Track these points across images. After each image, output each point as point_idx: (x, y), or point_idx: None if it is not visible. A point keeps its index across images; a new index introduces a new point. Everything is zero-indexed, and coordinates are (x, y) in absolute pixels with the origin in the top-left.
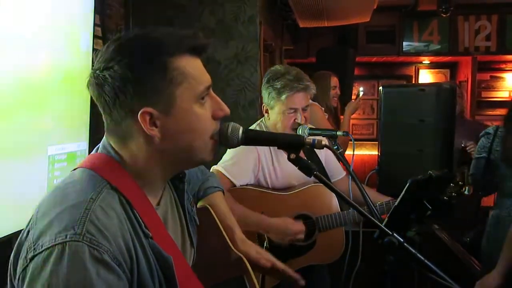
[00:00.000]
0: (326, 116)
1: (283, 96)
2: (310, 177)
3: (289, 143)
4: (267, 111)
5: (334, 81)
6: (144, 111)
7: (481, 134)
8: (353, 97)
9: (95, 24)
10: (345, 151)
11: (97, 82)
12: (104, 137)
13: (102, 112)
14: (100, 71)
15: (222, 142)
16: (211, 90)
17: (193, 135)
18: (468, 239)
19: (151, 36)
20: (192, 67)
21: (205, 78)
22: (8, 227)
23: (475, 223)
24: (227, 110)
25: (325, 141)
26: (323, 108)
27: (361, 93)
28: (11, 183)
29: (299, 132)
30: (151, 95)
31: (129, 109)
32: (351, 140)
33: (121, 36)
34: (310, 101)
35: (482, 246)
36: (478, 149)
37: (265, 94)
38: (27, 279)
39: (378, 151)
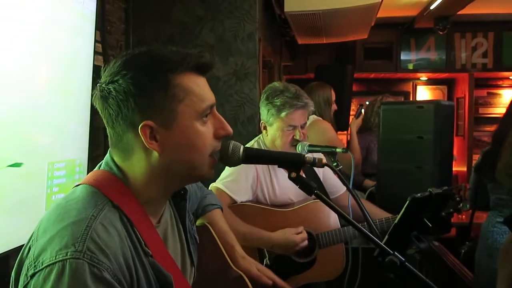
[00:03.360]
0: None
1: (283, 114)
2: (311, 195)
3: (290, 162)
4: (265, 128)
5: (333, 94)
6: (144, 124)
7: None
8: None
9: (95, 40)
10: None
11: (102, 95)
12: (108, 152)
13: (106, 126)
14: (105, 85)
15: (223, 161)
16: (214, 109)
17: (193, 152)
18: (463, 250)
19: (155, 53)
20: (195, 85)
21: (208, 97)
22: (5, 244)
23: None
24: (229, 130)
25: (324, 160)
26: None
27: (362, 110)
28: (9, 199)
29: (299, 149)
30: (152, 109)
31: (130, 122)
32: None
33: (128, 52)
34: (318, 118)
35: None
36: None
37: (263, 111)
38: None
39: (376, 168)
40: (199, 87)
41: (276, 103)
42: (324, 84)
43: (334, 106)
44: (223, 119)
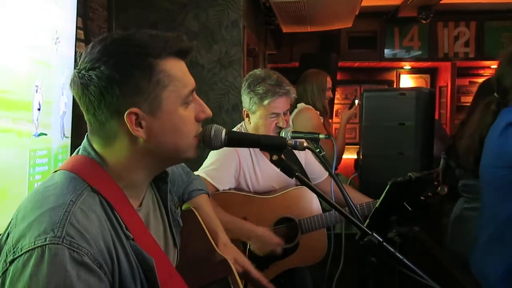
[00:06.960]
0: (321, 120)
1: (266, 101)
2: (292, 178)
3: (272, 145)
4: (247, 116)
5: (329, 82)
6: (130, 111)
7: None
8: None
9: (77, 27)
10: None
11: (82, 82)
12: (85, 138)
13: (84, 112)
14: (85, 71)
15: (206, 144)
16: (194, 93)
17: (178, 137)
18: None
19: (137, 38)
20: (178, 70)
21: (190, 81)
22: None
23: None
24: (209, 112)
25: (306, 143)
26: (318, 112)
27: (356, 102)
28: None
29: (282, 135)
30: (137, 96)
31: (115, 110)
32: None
33: (107, 37)
34: (306, 105)
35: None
36: None
37: (246, 99)
38: (7, 283)
39: (359, 155)
40: (181, 72)
41: (259, 91)
42: (320, 71)
43: (330, 94)
44: (202, 102)
